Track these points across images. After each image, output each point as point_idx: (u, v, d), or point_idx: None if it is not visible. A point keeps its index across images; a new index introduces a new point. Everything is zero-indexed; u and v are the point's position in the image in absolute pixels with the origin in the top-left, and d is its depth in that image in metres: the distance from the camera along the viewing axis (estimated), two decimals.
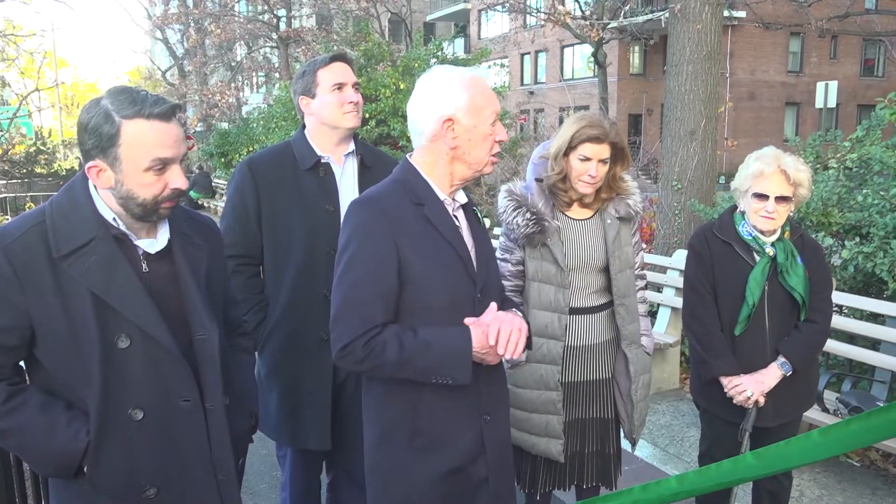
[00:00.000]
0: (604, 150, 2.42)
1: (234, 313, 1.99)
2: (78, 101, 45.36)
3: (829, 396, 3.74)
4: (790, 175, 2.48)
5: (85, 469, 1.58)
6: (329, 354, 2.40)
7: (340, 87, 2.43)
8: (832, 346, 3.95)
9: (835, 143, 5.59)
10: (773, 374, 2.54)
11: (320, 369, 2.42)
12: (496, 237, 2.52)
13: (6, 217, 17.39)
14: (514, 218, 2.46)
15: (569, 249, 2.49)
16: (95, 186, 1.59)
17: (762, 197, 2.51)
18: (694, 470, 1.90)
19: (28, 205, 19.09)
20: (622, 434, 2.66)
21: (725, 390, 2.57)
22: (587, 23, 17.75)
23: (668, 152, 6.59)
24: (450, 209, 1.87)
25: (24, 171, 23.52)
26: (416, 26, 28.36)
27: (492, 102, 1.84)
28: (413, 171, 1.85)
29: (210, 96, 25.38)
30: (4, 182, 21.69)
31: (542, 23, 18.62)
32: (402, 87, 10.52)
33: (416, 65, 11.12)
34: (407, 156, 1.91)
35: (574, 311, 2.50)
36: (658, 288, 5.26)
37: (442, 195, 1.85)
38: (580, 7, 20.37)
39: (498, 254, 2.59)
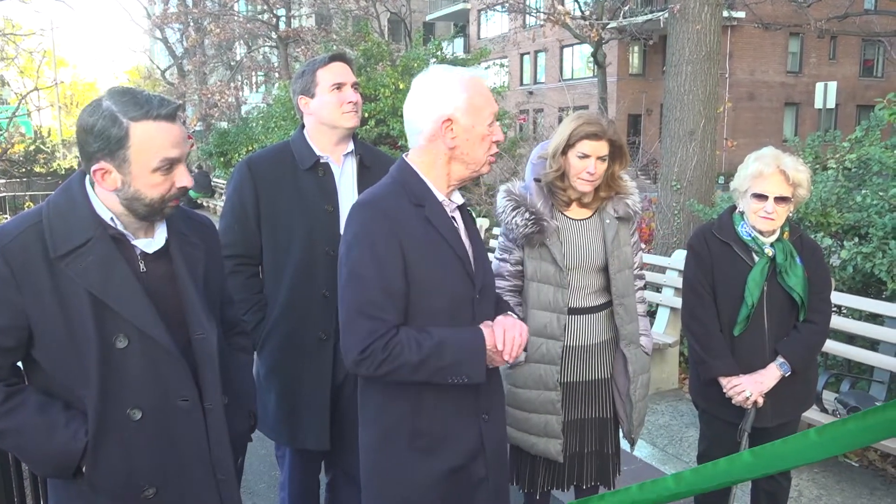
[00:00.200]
0: (602, 147, 2.42)
1: (231, 312, 1.98)
2: (77, 101, 45.34)
3: (828, 397, 3.74)
4: (789, 175, 2.49)
5: (83, 469, 1.57)
6: (328, 354, 2.42)
7: (339, 86, 2.43)
8: (831, 346, 3.95)
9: (834, 144, 5.60)
10: (771, 374, 2.54)
11: (319, 369, 2.43)
12: (495, 237, 2.53)
13: (5, 216, 17.37)
14: (512, 218, 2.46)
15: (567, 249, 2.49)
16: (94, 186, 1.59)
17: (761, 197, 2.51)
18: (690, 469, 1.90)
19: (27, 204, 19.08)
20: (621, 434, 2.66)
21: (724, 390, 2.57)
22: (587, 23, 17.75)
23: (668, 152, 6.60)
24: (448, 210, 1.87)
25: (23, 170, 23.48)
26: (416, 26, 28.35)
27: (490, 103, 1.84)
28: (411, 172, 1.85)
29: (209, 96, 25.37)
30: (3, 181, 21.66)
31: (542, 23, 18.62)
32: (401, 86, 10.52)
33: (416, 65, 11.11)
34: (403, 156, 1.90)
35: (573, 311, 2.50)
36: (657, 288, 5.26)
37: (440, 196, 1.85)
38: (580, 7, 20.37)
39: (497, 254, 2.60)
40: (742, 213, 2.62)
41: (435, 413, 1.83)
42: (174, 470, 1.64)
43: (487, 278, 1.93)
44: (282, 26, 24.45)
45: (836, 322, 3.86)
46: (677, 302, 4.70)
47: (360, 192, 2.38)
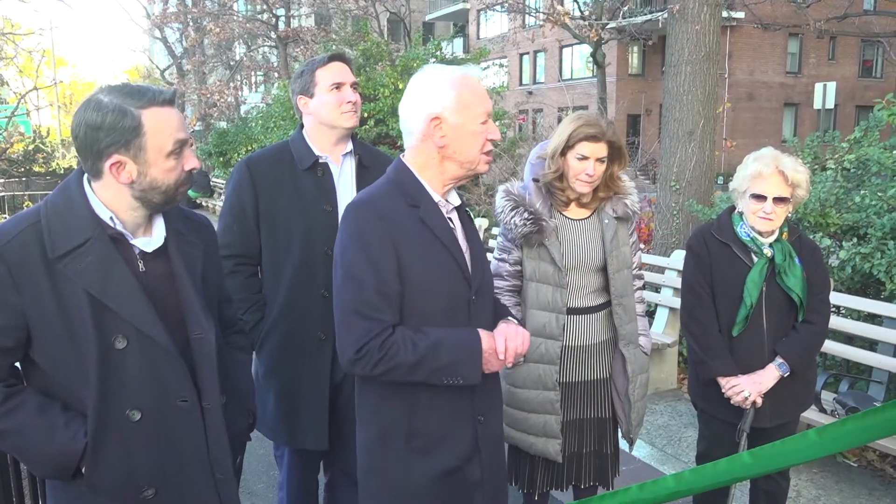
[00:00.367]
0: (601, 149, 2.43)
1: (229, 312, 1.98)
2: (76, 100, 45.28)
3: (827, 397, 3.74)
4: (788, 176, 2.49)
5: (83, 470, 1.57)
6: (327, 354, 2.42)
7: (338, 86, 2.43)
8: (830, 346, 3.95)
9: (833, 144, 5.60)
10: (770, 374, 2.54)
11: (318, 369, 2.43)
12: (494, 237, 2.52)
13: (4, 216, 17.37)
14: (511, 218, 2.46)
15: (566, 249, 2.49)
16: (91, 185, 1.59)
17: (760, 198, 2.51)
18: (690, 469, 1.90)
19: (26, 203, 19.07)
20: (620, 434, 2.66)
21: (723, 391, 2.57)
22: (586, 23, 17.73)
23: (667, 153, 6.60)
24: (444, 210, 1.86)
25: (23, 169, 23.48)
26: (415, 26, 28.36)
27: (481, 100, 1.82)
28: (406, 172, 1.85)
29: (209, 95, 25.32)
30: (2, 181, 21.65)
31: (541, 23, 18.60)
32: (400, 86, 10.50)
33: (415, 64, 11.10)
34: (400, 155, 1.90)
35: (572, 311, 2.50)
36: (656, 288, 5.27)
37: (436, 196, 1.84)
38: (579, 7, 20.36)
39: (496, 254, 2.60)
40: (741, 214, 2.62)
41: (430, 414, 1.82)
42: (173, 470, 1.63)
43: (485, 280, 1.93)
44: (281, 26, 24.43)
45: (835, 322, 3.86)
46: (676, 302, 4.70)
47: (358, 191, 2.38)
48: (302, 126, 2.53)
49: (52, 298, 1.51)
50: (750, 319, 2.55)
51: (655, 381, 5.03)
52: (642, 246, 5.51)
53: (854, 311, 4.15)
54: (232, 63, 29.95)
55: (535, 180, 2.54)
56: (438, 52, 12.13)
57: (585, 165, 2.42)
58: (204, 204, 20.65)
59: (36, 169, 24.12)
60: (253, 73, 32.16)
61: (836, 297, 3.91)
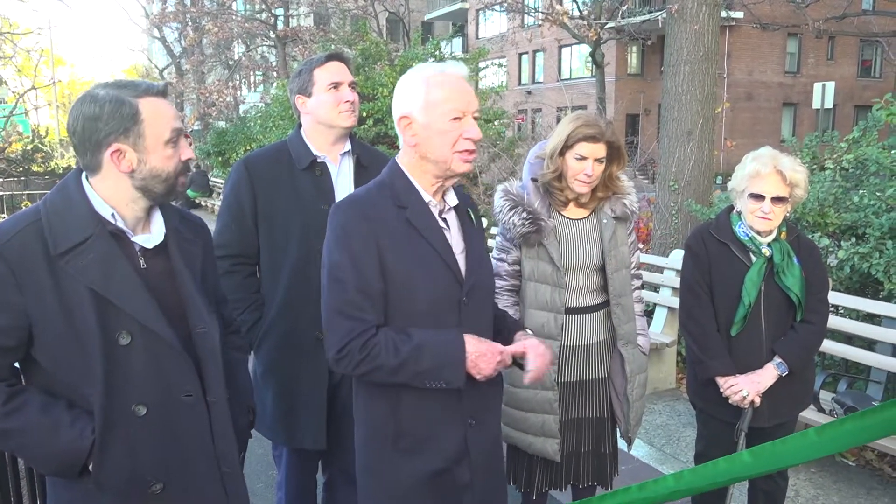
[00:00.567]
0: (600, 150, 2.43)
1: (224, 312, 1.98)
2: (75, 100, 45.18)
3: (825, 397, 3.74)
4: (786, 176, 2.49)
5: (90, 468, 1.57)
6: (325, 354, 2.41)
7: (336, 86, 2.43)
8: (828, 346, 3.95)
9: (831, 144, 5.60)
10: (769, 374, 2.54)
11: (316, 369, 2.42)
12: (493, 237, 2.51)
13: (2, 215, 17.35)
14: (510, 217, 2.46)
15: (565, 249, 2.49)
16: (90, 182, 1.59)
17: (758, 197, 2.51)
18: (690, 468, 1.90)
19: (24, 203, 19.05)
20: (618, 433, 2.66)
21: (721, 390, 2.57)
22: (585, 23, 17.74)
23: (666, 152, 6.61)
24: (435, 211, 1.84)
25: (21, 169, 23.46)
26: (414, 25, 28.35)
27: (451, 98, 1.76)
28: (398, 172, 1.84)
29: (207, 95, 25.31)
30: (1, 181, 21.64)
31: (540, 22, 18.59)
32: None
33: (414, 64, 11.06)
34: (395, 156, 1.90)
35: (570, 311, 2.50)
36: (655, 288, 5.27)
37: (427, 196, 1.83)
38: (578, 7, 20.36)
39: (494, 253, 2.59)
40: (739, 214, 2.62)
41: (415, 415, 1.81)
42: (178, 465, 1.64)
43: (480, 281, 1.89)
44: (280, 25, 24.41)
45: (834, 322, 3.86)
46: (675, 302, 4.70)
47: None
48: (300, 125, 2.53)
49: (55, 296, 1.51)
50: (748, 319, 2.55)
51: (654, 380, 5.03)
52: (641, 246, 5.51)
53: (852, 310, 4.15)
54: (230, 62, 29.95)
55: (534, 180, 2.54)
56: (437, 52, 12.14)
57: (584, 165, 2.42)
58: (203, 203, 20.62)
59: (34, 168, 24.10)
60: (252, 72, 32.16)
61: (834, 297, 3.91)
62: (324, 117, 2.44)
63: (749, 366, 2.57)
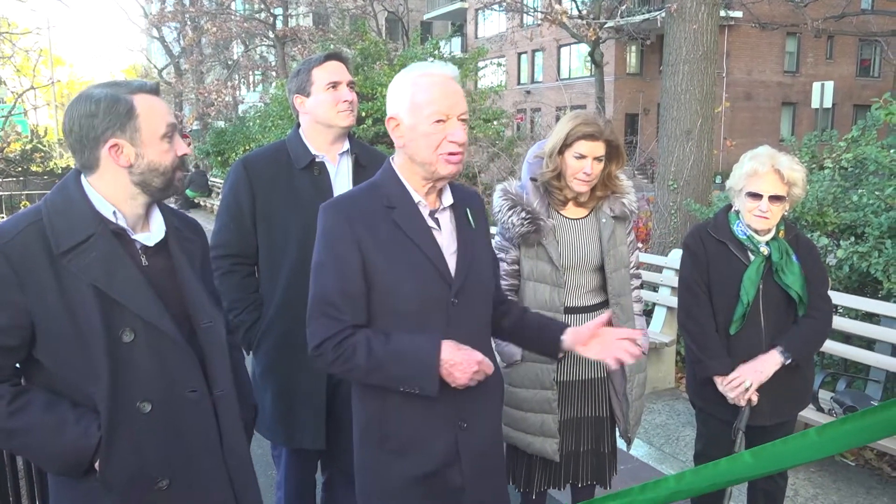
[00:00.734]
0: (599, 148, 2.42)
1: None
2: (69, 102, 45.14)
3: (824, 396, 3.74)
4: (784, 174, 2.48)
5: (96, 466, 1.57)
6: None
7: (335, 85, 2.43)
8: (827, 345, 3.94)
9: (830, 143, 5.60)
10: (772, 360, 2.51)
11: (315, 368, 2.42)
12: (492, 236, 2.50)
13: (2, 215, 17.35)
14: (509, 217, 2.46)
15: (564, 248, 2.49)
16: (88, 179, 1.60)
17: (756, 196, 2.51)
18: (691, 469, 1.90)
19: (23, 203, 19.05)
20: (617, 433, 2.66)
21: (720, 389, 2.57)
22: (584, 22, 17.74)
23: (665, 152, 6.61)
24: (425, 211, 1.83)
25: (20, 169, 23.46)
26: (413, 25, 28.34)
27: (435, 100, 1.74)
28: (391, 173, 1.85)
29: (206, 95, 25.31)
30: (0, 181, 21.63)
31: (539, 22, 18.59)
32: None
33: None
34: (390, 157, 1.90)
35: (569, 311, 2.50)
36: (654, 287, 5.27)
37: (417, 196, 1.82)
38: (577, 6, 20.35)
39: None
40: (737, 212, 2.62)
41: (401, 416, 1.80)
42: (183, 461, 1.64)
43: (472, 281, 1.85)
44: (279, 25, 24.40)
45: (833, 321, 3.86)
46: (674, 301, 4.69)
47: None
48: (299, 125, 2.53)
49: (58, 295, 1.51)
50: (747, 317, 2.55)
51: (653, 380, 5.03)
52: (640, 245, 5.51)
53: (851, 310, 4.15)
54: (230, 62, 29.94)
55: (533, 179, 2.54)
56: (436, 52, 12.13)
57: (583, 164, 2.42)
58: (202, 203, 20.61)
59: (33, 168, 24.10)
60: (251, 72, 32.14)
61: (833, 297, 3.87)
62: (322, 117, 2.43)
63: None
